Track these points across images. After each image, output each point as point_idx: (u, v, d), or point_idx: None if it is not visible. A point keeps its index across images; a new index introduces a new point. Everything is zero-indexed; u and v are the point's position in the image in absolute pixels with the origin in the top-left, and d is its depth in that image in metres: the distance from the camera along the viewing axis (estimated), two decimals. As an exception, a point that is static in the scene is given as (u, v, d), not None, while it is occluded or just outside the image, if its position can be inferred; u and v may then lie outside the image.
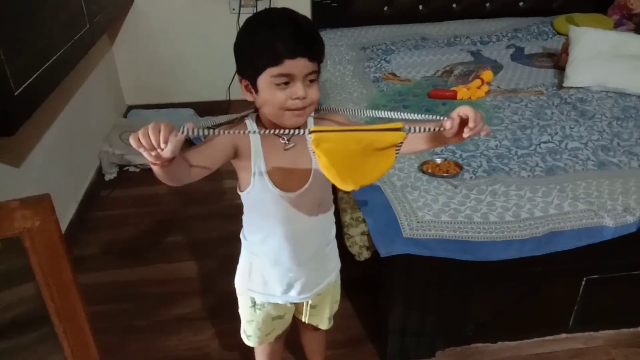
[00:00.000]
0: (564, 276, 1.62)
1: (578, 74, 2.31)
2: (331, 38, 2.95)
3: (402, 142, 0.87)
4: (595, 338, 1.74)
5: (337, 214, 1.64)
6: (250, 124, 1.03)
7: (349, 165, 0.86)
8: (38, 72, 1.54)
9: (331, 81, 2.46)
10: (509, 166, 1.72)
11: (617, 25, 2.99)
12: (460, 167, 1.69)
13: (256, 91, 0.97)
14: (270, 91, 0.94)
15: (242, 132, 0.95)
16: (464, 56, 2.73)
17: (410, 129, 0.87)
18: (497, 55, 2.74)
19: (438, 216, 1.47)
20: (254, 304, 1.25)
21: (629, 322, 1.78)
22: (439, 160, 1.73)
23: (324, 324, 1.34)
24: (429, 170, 1.67)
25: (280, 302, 1.23)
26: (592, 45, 2.41)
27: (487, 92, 2.30)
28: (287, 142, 1.03)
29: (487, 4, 3.24)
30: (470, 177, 1.67)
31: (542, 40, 2.96)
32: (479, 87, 2.28)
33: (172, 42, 3.07)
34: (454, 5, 3.21)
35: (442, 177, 1.65)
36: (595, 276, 1.63)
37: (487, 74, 2.37)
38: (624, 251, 1.56)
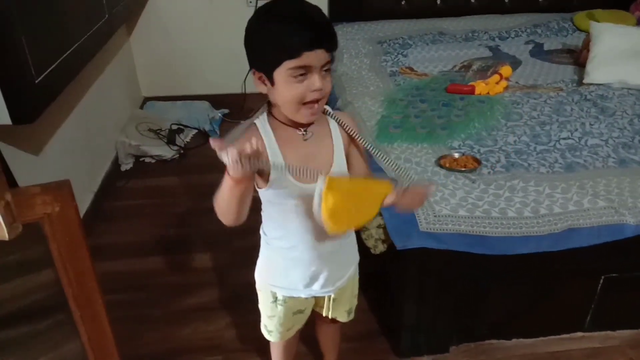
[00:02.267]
0: (582, 274, 1.60)
1: (599, 71, 2.27)
2: (348, 32, 2.93)
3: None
4: (612, 338, 1.72)
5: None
6: (263, 126, 1.01)
7: (348, 210, 0.95)
8: (58, 61, 1.55)
9: (347, 75, 2.45)
10: (527, 162, 1.70)
11: (639, 22, 2.93)
12: (479, 162, 1.68)
13: (272, 84, 0.96)
14: (287, 85, 0.94)
15: (281, 168, 0.96)
16: (482, 51, 2.70)
17: (397, 183, 1.03)
18: (515, 51, 2.70)
19: (455, 210, 1.45)
20: (275, 299, 1.24)
21: (648, 322, 1.75)
22: (456, 155, 1.71)
23: (344, 317, 1.34)
24: (447, 165, 1.66)
25: (303, 295, 1.22)
26: (614, 42, 2.37)
27: (506, 88, 2.27)
28: (304, 132, 1.03)
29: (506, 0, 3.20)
30: (489, 172, 1.65)
31: (561, 37, 2.91)
32: (497, 83, 2.25)
33: (189, 34, 3.08)
34: (472, 0, 3.17)
35: (460, 171, 1.63)
36: (613, 275, 1.60)
37: (506, 70, 2.34)
38: (644, 250, 1.54)
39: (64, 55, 1.60)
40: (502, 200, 1.49)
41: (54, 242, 1.06)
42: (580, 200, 1.50)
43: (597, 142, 1.83)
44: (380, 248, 1.49)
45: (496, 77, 2.27)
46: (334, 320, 1.35)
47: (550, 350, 1.68)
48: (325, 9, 3.08)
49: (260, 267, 1.25)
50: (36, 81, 1.40)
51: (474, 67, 2.46)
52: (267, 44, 0.94)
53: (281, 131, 1.01)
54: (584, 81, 2.29)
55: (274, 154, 1.00)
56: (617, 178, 1.62)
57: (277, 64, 0.93)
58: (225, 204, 0.98)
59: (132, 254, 2.10)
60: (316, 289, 1.19)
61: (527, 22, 3.04)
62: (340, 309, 1.31)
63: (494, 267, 1.48)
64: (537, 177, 1.62)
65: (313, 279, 1.18)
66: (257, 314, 1.80)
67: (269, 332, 1.32)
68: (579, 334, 1.72)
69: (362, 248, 1.50)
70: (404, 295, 1.55)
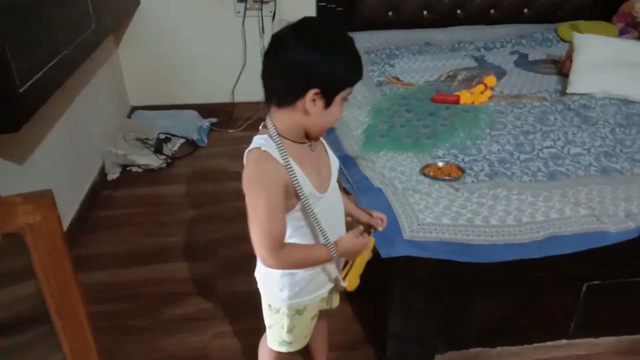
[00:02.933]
0: (565, 282, 1.62)
1: (582, 81, 2.31)
2: (335, 42, 2.95)
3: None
4: (596, 345, 1.73)
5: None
6: (275, 151, 1.01)
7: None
8: (43, 71, 1.55)
9: (334, 84, 2.47)
10: (511, 170, 1.72)
11: (621, 33, 2.99)
12: (462, 170, 1.69)
13: (327, 105, 0.99)
14: (338, 107, 1.01)
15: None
16: (467, 62, 2.73)
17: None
18: (500, 61, 2.74)
19: (439, 219, 1.47)
20: (298, 311, 1.23)
21: (631, 329, 1.77)
22: (441, 164, 1.73)
23: (337, 301, 1.37)
24: (431, 174, 1.67)
25: (324, 296, 1.25)
26: (596, 52, 2.41)
27: (491, 97, 2.30)
28: (311, 145, 1.09)
29: (492, 11, 3.25)
30: (472, 181, 1.67)
31: (546, 47, 2.96)
32: (482, 92, 2.28)
33: (178, 43, 3.08)
34: (459, 12, 3.22)
35: (444, 180, 1.65)
36: (596, 282, 1.62)
37: (491, 79, 2.37)
38: (626, 257, 1.56)
39: (49, 65, 1.60)
40: (485, 209, 1.51)
41: (35, 252, 1.05)
42: (562, 208, 1.52)
43: (579, 151, 1.86)
44: (366, 256, 1.49)
45: (481, 87, 2.30)
46: (324, 314, 1.37)
47: (535, 357, 1.69)
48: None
49: (279, 290, 1.19)
50: (20, 90, 1.40)
51: (460, 77, 2.49)
52: (340, 67, 0.97)
53: (292, 149, 1.03)
54: (567, 91, 2.32)
55: (299, 174, 1.02)
56: (599, 186, 1.64)
57: (343, 87, 0.99)
58: (307, 265, 1.12)
59: (118, 264, 2.08)
60: (330, 284, 1.23)
61: (512, 33, 3.09)
62: (335, 295, 1.34)
63: (478, 275, 1.49)
64: (520, 185, 1.64)
65: (331, 278, 1.21)
66: (243, 324, 1.81)
67: (289, 343, 1.30)
68: (563, 341, 1.73)
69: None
70: (389, 304, 1.55)
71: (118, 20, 2.63)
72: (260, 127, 1.07)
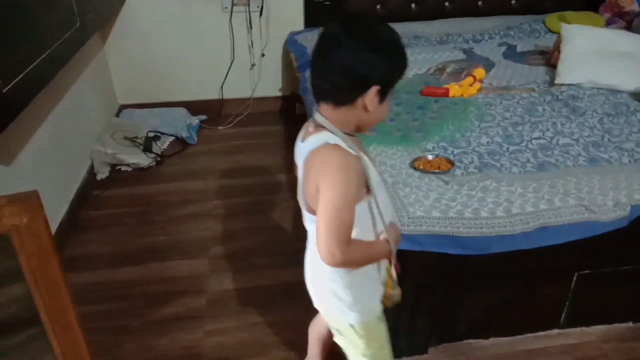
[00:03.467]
0: (556, 272, 1.63)
1: (570, 71, 2.32)
2: (324, 37, 2.94)
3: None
4: (587, 333, 1.75)
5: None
6: (345, 144, 1.01)
7: None
8: (27, 70, 1.53)
9: (324, 79, 2.46)
10: (500, 162, 1.73)
11: (608, 23, 3.00)
12: (452, 163, 1.69)
13: (381, 100, 1.01)
14: (388, 102, 1.04)
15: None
16: (456, 54, 2.73)
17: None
18: (489, 53, 2.74)
19: (429, 212, 1.47)
20: (379, 319, 1.22)
21: (621, 317, 1.78)
22: (430, 157, 1.73)
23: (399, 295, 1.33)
24: (421, 167, 1.68)
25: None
26: (584, 42, 2.42)
27: (479, 90, 2.30)
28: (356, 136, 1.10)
29: (480, 3, 3.25)
30: (462, 174, 1.67)
31: (534, 38, 2.97)
32: (471, 85, 2.28)
33: (165, 41, 3.06)
34: (447, 4, 3.22)
35: (434, 173, 1.65)
36: (586, 272, 1.63)
37: (479, 72, 2.38)
38: (615, 246, 1.57)
39: (33, 65, 1.58)
40: (475, 201, 1.51)
41: (22, 254, 1.04)
42: (552, 199, 1.53)
43: (568, 141, 1.86)
44: (357, 251, 1.50)
45: (470, 79, 2.30)
46: None
47: (527, 348, 1.70)
48: (301, 16, 3.11)
49: (354, 302, 1.15)
50: (3, 91, 1.38)
51: (448, 69, 2.49)
52: (396, 63, 1.01)
53: (352, 142, 1.03)
54: (556, 82, 2.33)
55: (365, 163, 1.04)
56: (588, 176, 1.65)
57: (396, 82, 1.02)
58: (368, 260, 1.11)
59: (109, 264, 2.07)
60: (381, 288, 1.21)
61: (500, 25, 3.09)
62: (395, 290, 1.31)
63: (469, 268, 1.49)
64: (509, 177, 1.64)
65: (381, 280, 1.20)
66: (235, 321, 1.81)
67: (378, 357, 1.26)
68: (555, 331, 1.74)
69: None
70: (382, 297, 1.56)
71: (104, 18, 2.60)
72: (311, 128, 1.05)
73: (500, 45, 2.87)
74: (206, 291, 1.93)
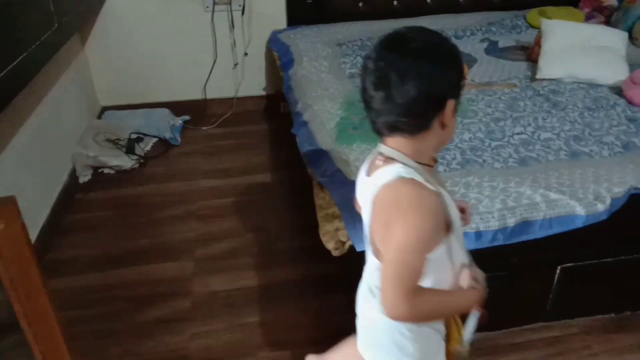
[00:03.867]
0: (539, 266, 1.64)
1: (550, 66, 2.34)
2: (307, 35, 2.94)
3: None
4: (571, 326, 1.77)
5: (313, 210, 1.64)
6: (421, 177, 0.91)
7: None
8: (3, 73, 1.50)
9: (307, 78, 2.46)
10: (482, 158, 1.74)
11: (588, 18, 3.04)
12: (435, 160, 1.69)
13: (454, 112, 0.93)
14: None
15: None
16: (438, 51, 2.74)
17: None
18: (471, 49, 2.76)
19: (413, 209, 1.47)
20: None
21: (603, 308, 1.81)
22: (413, 154, 1.73)
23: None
24: (404, 164, 1.68)
25: None
26: (564, 37, 2.44)
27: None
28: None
29: (461, -1, 3.27)
30: (445, 170, 1.68)
31: (515, 34, 2.99)
32: (453, 81, 2.29)
33: (146, 41, 3.02)
34: (429, 1, 3.23)
35: (417, 170, 1.65)
36: (569, 265, 1.65)
37: (462, 68, 2.38)
38: (596, 239, 1.58)
39: (9, 67, 1.55)
40: (458, 197, 1.52)
41: (0, 260, 1.02)
42: (533, 193, 1.54)
43: (549, 135, 1.88)
44: (342, 250, 1.50)
45: (452, 75, 2.31)
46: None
47: (512, 341, 1.71)
48: (284, 14, 3.10)
49: (421, 358, 1.05)
50: (-21, 94, 1.35)
51: (431, 66, 2.50)
52: (461, 71, 0.94)
53: (428, 175, 0.93)
54: (537, 77, 2.35)
55: (446, 200, 0.94)
56: (569, 170, 1.67)
57: (462, 88, 0.94)
58: (443, 314, 0.97)
59: (92, 268, 2.05)
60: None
61: (482, 21, 3.11)
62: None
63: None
64: (491, 172, 1.65)
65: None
66: (220, 322, 1.80)
67: None
68: (540, 324, 1.76)
69: (324, 250, 1.51)
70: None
71: (83, 20, 2.56)
72: (379, 161, 0.95)
73: (482, 41, 2.89)
74: (191, 293, 1.92)
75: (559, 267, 1.65)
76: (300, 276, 1.97)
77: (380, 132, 0.94)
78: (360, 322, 1.14)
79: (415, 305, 0.89)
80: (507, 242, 1.47)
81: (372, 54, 0.89)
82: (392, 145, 0.93)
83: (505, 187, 1.56)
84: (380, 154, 0.95)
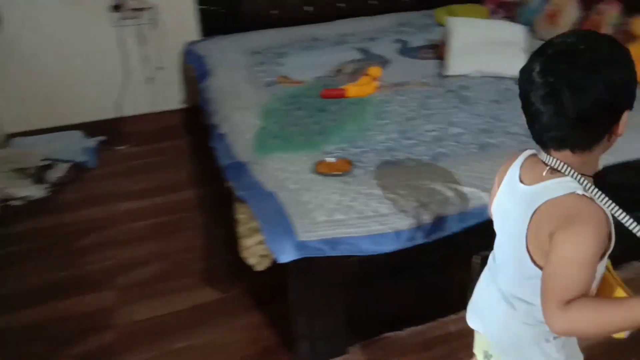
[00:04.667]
0: (459, 257, 1.69)
1: (457, 63, 2.44)
2: (222, 45, 2.90)
3: None
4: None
5: (232, 226, 1.61)
6: (594, 196, 0.86)
7: None
8: None
9: (223, 89, 2.41)
10: (397, 158, 1.78)
11: (492, 14, 3.19)
12: (352, 164, 1.72)
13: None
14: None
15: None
16: (353, 54, 2.78)
17: None
18: (385, 51, 2.82)
19: (332, 215, 1.48)
20: None
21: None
22: (330, 160, 1.74)
23: None
24: (322, 171, 1.68)
25: None
26: (468, 34, 2.55)
27: (377, 88, 2.36)
28: None
29: (372, 1, 3.33)
30: (363, 173, 1.70)
31: (426, 33, 3.08)
32: (368, 84, 2.33)
33: (51, 62, 2.86)
34: (340, 5, 3.27)
35: (335, 176, 1.66)
36: (485, 253, 1.70)
37: (375, 70, 2.43)
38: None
39: None
40: (375, 199, 1.54)
41: None
42: (446, 189, 1.59)
43: (459, 130, 1.95)
44: (265, 264, 1.48)
45: (366, 78, 2.35)
46: None
47: (442, 333, 1.75)
48: (197, 25, 3.03)
49: None
50: None
51: (346, 70, 2.53)
52: (637, 82, 0.87)
53: (594, 188, 0.87)
54: (446, 74, 2.44)
55: (610, 217, 0.87)
56: (479, 163, 1.74)
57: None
58: (613, 329, 0.85)
59: (8, 308, 1.89)
60: None
61: (393, 22, 3.20)
62: None
63: (376, 265, 1.52)
64: (407, 171, 1.69)
65: None
66: (146, 353, 1.71)
67: None
68: (465, 312, 1.81)
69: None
70: (295, 305, 1.55)
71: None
72: (544, 172, 0.90)
73: (395, 42, 2.96)
74: (116, 325, 1.82)
75: (477, 256, 1.70)
76: (230, 293, 1.93)
77: (546, 146, 0.89)
78: (492, 330, 1.10)
79: (572, 317, 0.82)
80: (427, 240, 1.51)
81: (536, 66, 0.85)
82: (557, 157, 0.88)
83: (419, 185, 1.60)
84: (544, 163, 0.90)
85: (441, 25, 3.14)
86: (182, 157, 2.83)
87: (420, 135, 1.91)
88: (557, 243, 0.84)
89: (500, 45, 2.51)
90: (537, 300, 0.88)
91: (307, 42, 2.94)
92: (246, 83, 2.47)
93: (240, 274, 1.96)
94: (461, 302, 1.79)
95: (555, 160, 0.87)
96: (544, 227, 0.87)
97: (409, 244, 1.49)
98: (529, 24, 2.83)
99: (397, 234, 1.47)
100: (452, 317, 1.80)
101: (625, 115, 0.85)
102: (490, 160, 1.74)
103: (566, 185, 0.87)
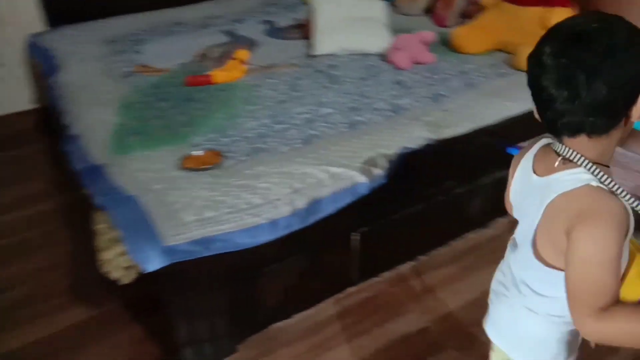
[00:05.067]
0: (338, 237, 1.71)
1: (323, 42, 2.43)
2: (72, 35, 2.62)
3: None
4: (378, 283, 1.90)
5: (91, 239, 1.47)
6: (607, 186, 0.81)
7: None
8: None
9: (74, 84, 2.18)
10: (269, 144, 1.73)
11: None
12: (222, 155, 1.64)
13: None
14: None
15: None
16: (219, 37, 2.66)
17: None
18: (252, 33, 2.73)
19: (201, 213, 1.40)
20: None
21: (400, 260, 1.97)
22: (197, 153, 1.65)
23: None
24: (189, 166, 1.59)
25: None
26: (332, 11, 2.54)
27: (246, 72, 2.28)
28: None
29: (236, -19, 3.22)
30: (234, 164, 1.63)
31: (292, 12, 3.03)
32: (235, 68, 2.24)
33: None
34: (207, -14, 3.12)
35: (204, 170, 1.58)
36: (364, 229, 1.75)
37: (242, 53, 2.35)
38: (381, 201, 1.69)
39: None
40: (247, 190, 1.49)
41: None
42: (318, 171, 1.58)
43: (329, 111, 1.95)
44: (131, 276, 1.36)
45: (233, 62, 2.26)
46: None
47: (330, 313, 1.78)
48: (38, 13, 2.71)
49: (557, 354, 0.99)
50: None
51: (212, 55, 2.42)
52: None
53: (610, 178, 0.82)
54: (313, 53, 2.43)
55: (629, 208, 0.82)
56: (349, 141, 1.75)
57: None
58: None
59: None
60: None
61: (260, 2, 3.11)
62: None
63: (253, 258, 1.47)
64: (279, 157, 1.66)
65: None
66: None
67: None
68: (351, 289, 1.86)
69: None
70: (175, 312, 1.46)
71: None
72: (557, 164, 0.85)
73: (262, 23, 2.88)
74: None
75: (355, 233, 1.74)
76: (105, 308, 1.78)
77: (559, 133, 0.84)
78: (498, 316, 1.06)
79: (604, 324, 0.79)
80: (303, 226, 1.49)
81: (547, 49, 0.79)
82: (571, 145, 0.83)
83: (291, 171, 1.58)
84: (557, 153, 0.85)
85: (306, 3, 3.13)
86: (38, 164, 2.53)
87: (291, 119, 1.88)
88: (575, 242, 0.80)
89: (364, 21, 2.54)
90: (537, 287, 0.92)
91: (169, 27, 2.76)
92: (101, 76, 2.25)
93: (112, 287, 1.81)
94: (346, 281, 1.84)
95: (568, 149, 0.83)
96: (558, 224, 0.83)
97: (285, 232, 1.46)
98: (390, 0, 2.91)
99: (273, 223, 1.44)
100: (339, 295, 1.83)
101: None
102: (358, 139, 1.77)
103: (579, 176, 0.83)
